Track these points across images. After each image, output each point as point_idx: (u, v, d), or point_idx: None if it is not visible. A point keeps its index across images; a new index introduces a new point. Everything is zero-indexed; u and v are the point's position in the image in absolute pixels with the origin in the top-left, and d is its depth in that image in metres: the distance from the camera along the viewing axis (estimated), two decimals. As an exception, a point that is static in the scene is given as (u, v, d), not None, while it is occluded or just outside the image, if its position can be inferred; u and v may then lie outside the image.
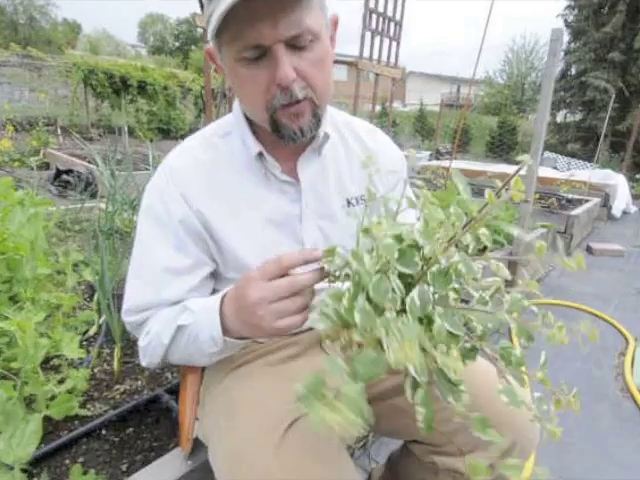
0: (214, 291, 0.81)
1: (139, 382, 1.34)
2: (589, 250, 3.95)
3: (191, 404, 0.84)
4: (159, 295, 0.72)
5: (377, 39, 3.01)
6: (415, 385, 0.43)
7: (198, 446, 0.90)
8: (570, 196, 5.25)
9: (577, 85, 13.70)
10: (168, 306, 0.73)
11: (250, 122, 0.75)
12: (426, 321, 0.44)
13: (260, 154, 0.74)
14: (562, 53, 14.00)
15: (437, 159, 9.25)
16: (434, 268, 0.45)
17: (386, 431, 0.86)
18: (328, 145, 0.80)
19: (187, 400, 0.84)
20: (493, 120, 17.33)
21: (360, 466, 1.28)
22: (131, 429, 1.18)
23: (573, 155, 11.70)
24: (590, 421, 1.60)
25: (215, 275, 0.79)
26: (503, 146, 15.30)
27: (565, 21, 14.17)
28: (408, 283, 0.46)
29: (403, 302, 0.44)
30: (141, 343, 0.73)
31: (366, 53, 2.97)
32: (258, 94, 0.64)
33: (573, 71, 14.35)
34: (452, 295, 0.47)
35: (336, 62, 0.79)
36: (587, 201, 5.05)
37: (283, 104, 0.64)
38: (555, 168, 8.93)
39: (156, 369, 1.41)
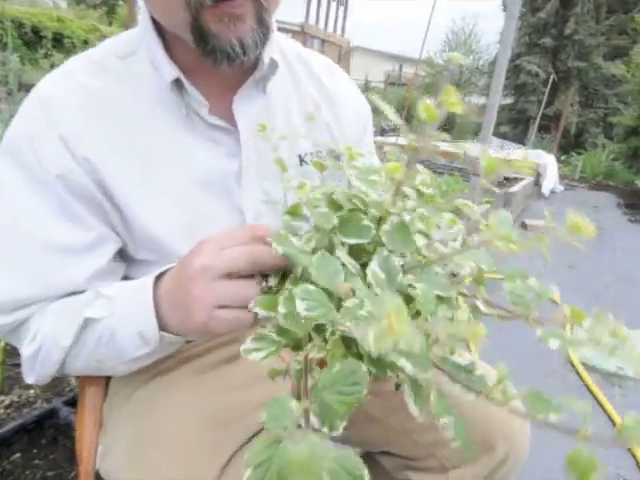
0: (125, 279, 0.60)
1: (31, 391, 1.06)
2: (523, 226, 4.10)
3: (92, 427, 0.62)
4: (42, 284, 0.51)
5: (324, 3, 2.79)
6: (417, 389, 0.31)
7: None
8: (507, 174, 5.44)
9: (511, 68, 14.26)
10: (59, 299, 0.52)
11: (163, 36, 0.53)
12: (402, 298, 0.31)
13: (178, 82, 0.53)
14: (499, 36, 14.45)
15: (382, 135, 9.29)
16: (386, 226, 0.36)
17: (354, 441, 0.71)
18: (275, 81, 0.60)
19: (85, 421, 0.63)
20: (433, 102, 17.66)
21: None
22: (18, 455, 0.91)
23: (504, 137, 12.29)
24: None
25: (123, 256, 0.58)
26: (446, 127, 15.72)
27: (503, 4, 14.58)
28: (364, 257, 0.36)
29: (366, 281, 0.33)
30: (25, 352, 0.51)
31: (312, 21, 2.75)
32: None
33: (508, 54, 14.90)
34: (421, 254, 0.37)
35: (280, 30, 0.66)
36: (522, 179, 5.25)
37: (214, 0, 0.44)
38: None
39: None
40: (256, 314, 0.42)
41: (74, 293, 0.53)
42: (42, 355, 0.50)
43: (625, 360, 0.27)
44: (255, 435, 0.56)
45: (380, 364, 0.30)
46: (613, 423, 1.52)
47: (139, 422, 0.53)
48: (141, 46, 0.55)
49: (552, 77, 10.10)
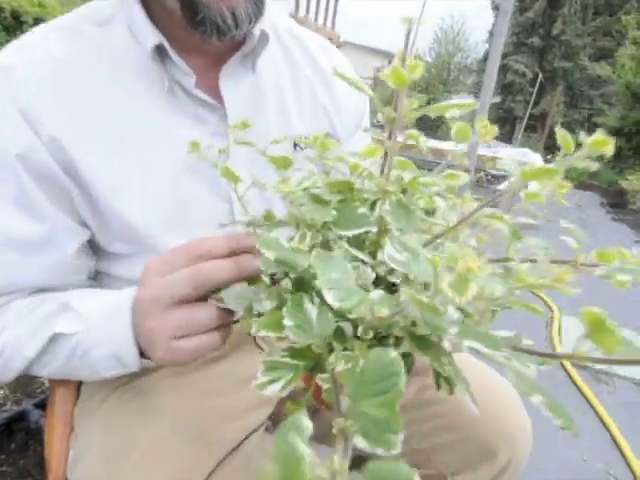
0: (97, 275, 0.54)
1: (0, 392, 0.99)
2: (512, 224, 4.13)
3: (62, 432, 0.57)
4: (5, 278, 0.46)
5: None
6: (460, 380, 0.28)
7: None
8: (495, 172, 5.50)
9: (499, 68, 14.38)
10: (25, 297, 0.47)
11: (146, 4, 0.48)
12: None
13: (159, 50, 0.47)
14: (488, 34, 14.55)
15: (369, 131, 9.29)
16: (386, 206, 0.32)
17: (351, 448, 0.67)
18: (266, 57, 0.55)
19: (55, 426, 0.57)
20: (422, 98, 17.78)
21: None
22: (-16, 459, 0.85)
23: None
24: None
25: (93, 248, 0.52)
26: (431, 124, 15.78)
27: (492, 2, 14.68)
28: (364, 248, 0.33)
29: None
30: None
31: (301, 13, 2.69)
32: None
33: (499, 54, 15.06)
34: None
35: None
36: (510, 177, 5.30)
37: None
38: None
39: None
40: (225, 333, 0.38)
41: (41, 290, 0.48)
42: (4, 359, 0.45)
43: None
44: (236, 449, 0.51)
45: (424, 342, 0.26)
46: (602, 422, 1.52)
47: (113, 429, 0.48)
48: (120, 12, 0.49)
49: (540, 77, 10.19)
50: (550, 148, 10.59)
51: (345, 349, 0.27)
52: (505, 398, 0.57)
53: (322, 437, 0.29)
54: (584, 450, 1.39)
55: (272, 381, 0.27)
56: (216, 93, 0.52)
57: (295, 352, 0.28)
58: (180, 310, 0.36)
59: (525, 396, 0.25)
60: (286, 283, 0.33)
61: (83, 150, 0.45)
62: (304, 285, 0.31)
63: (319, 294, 0.26)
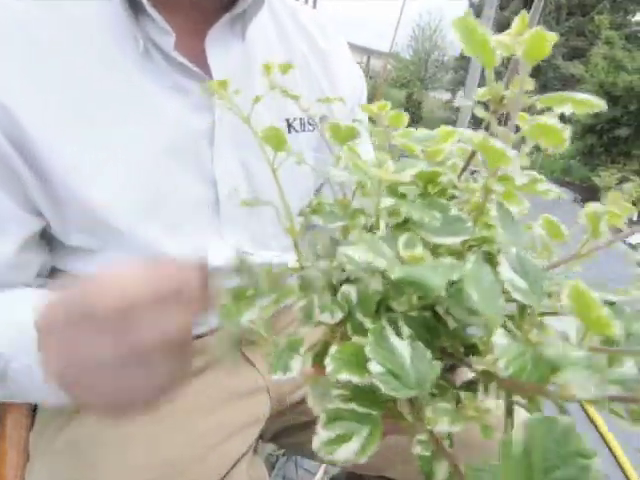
0: (53, 273, 0.48)
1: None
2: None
3: (15, 461, 0.50)
4: None
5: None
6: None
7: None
8: (475, 167, 5.58)
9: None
10: None
11: None
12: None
13: (132, 2, 0.40)
14: None
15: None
16: (493, 211, 0.25)
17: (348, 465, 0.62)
18: (256, 27, 0.48)
19: (8, 453, 0.50)
20: (401, 93, 17.92)
21: None
22: None
23: (469, 132, 12.66)
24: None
25: (49, 240, 0.45)
26: (412, 122, 15.97)
27: (470, 1, 14.84)
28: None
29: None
30: None
31: None
32: None
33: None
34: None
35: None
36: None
37: None
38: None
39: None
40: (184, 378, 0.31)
41: None
42: None
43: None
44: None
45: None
46: (591, 420, 1.51)
47: (74, 463, 0.42)
48: None
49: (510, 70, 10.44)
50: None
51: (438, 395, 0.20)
52: None
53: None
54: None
55: (341, 439, 0.20)
56: (200, 61, 0.45)
57: (360, 393, 0.21)
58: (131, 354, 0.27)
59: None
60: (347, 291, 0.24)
61: (38, 122, 0.38)
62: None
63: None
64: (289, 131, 0.52)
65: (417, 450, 0.19)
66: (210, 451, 0.45)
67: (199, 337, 0.51)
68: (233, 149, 0.47)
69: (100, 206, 0.41)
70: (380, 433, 0.20)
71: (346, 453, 0.19)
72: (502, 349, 0.17)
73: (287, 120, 0.51)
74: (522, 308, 0.21)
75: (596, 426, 1.47)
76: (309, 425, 0.31)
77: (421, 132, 0.30)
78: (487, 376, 0.19)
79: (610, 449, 1.35)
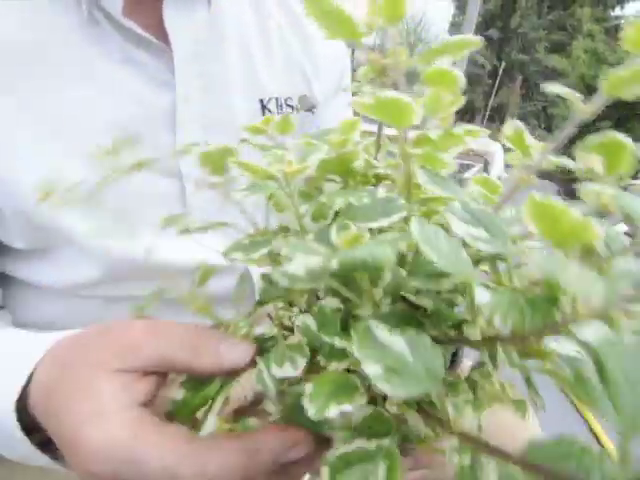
0: (3, 279, 0.40)
1: None
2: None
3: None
4: None
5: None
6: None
7: None
8: (459, 161, 6.23)
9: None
10: None
11: None
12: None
13: None
14: (449, 25, 15.10)
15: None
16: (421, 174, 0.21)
17: None
18: None
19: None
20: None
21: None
22: None
23: (451, 126, 13.23)
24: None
25: None
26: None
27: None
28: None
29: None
30: None
31: None
32: None
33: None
34: None
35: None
36: (473, 166, 6.04)
37: None
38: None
39: None
40: None
41: None
42: None
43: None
44: None
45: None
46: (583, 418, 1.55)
47: None
48: None
49: (501, 69, 10.68)
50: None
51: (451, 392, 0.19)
52: None
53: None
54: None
55: None
56: (158, 31, 0.36)
57: (362, 424, 0.18)
58: None
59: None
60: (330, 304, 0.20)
61: None
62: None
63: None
64: (263, 113, 0.44)
65: (454, 460, 0.16)
66: None
67: None
68: (198, 134, 0.39)
69: (31, 201, 0.33)
70: (400, 467, 0.17)
71: None
72: (492, 305, 0.15)
73: (261, 101, 0.44)
74: (492, 261, 0.19)
75: (587, 422, 1.56)
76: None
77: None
78: (490, 344, 0.17)
79: (601, 445, 1.40)
